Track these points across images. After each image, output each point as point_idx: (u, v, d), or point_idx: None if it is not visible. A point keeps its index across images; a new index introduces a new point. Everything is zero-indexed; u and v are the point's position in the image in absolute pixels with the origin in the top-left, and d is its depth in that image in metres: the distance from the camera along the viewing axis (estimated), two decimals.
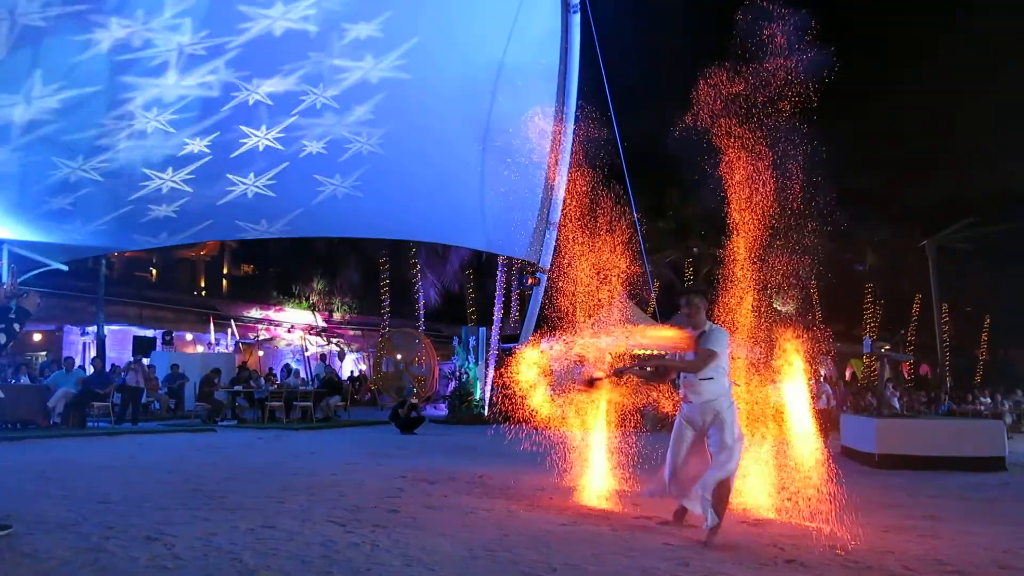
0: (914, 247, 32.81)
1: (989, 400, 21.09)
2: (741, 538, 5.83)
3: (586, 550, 5.38)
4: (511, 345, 20.91)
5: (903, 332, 33.80)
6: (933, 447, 10.53)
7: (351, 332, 32.11)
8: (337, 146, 16.83)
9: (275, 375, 21.29)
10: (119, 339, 23.35)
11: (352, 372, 29.60)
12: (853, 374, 35.21)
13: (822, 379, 20.56)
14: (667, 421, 15.06)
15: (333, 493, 7.72)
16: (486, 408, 19.55)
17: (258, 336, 28.63)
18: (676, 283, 31.70)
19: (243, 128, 15.62)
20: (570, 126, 19.05)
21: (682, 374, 6.05)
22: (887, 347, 32.06)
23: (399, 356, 24.17)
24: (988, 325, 33.04)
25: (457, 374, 20.39)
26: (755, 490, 6.82)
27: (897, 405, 19.12)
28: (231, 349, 25.63)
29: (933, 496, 7.47)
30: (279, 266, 34.24)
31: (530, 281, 20.35)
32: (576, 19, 18.62)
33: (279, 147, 16.18)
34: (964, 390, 24.94)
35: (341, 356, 29.89)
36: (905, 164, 31.13)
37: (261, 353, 28.47)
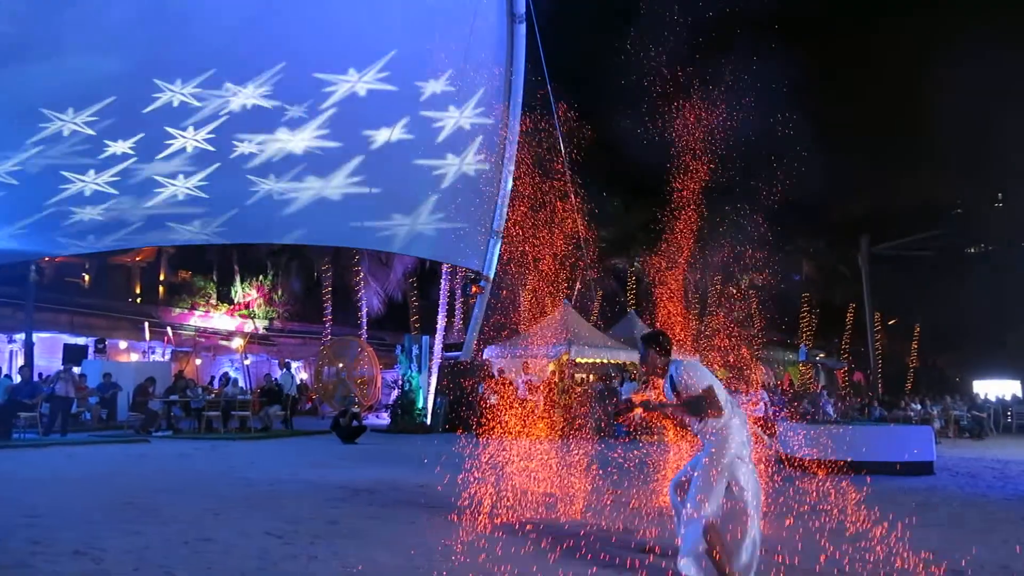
0: (848, 258, 33.69)
1: (919, 406, 21.72)
2: (675, 540, 5.88)
3: (528, 559, 5.38)
4: (455, 354, 20.87)
5: (837, 341, 34.68)
6: (866, 452, 10.80)
7: (293, 340, 31.63)
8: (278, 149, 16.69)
9: (215, 384, 20.82)
10: (48, 347, 22.58)
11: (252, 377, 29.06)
12: (790, 381, 36.01)
13: (760, 387, 20.94)
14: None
15: (271, 504, 7.59)
16: (428, 417, 19.44)
17: (195, 344, 27.99)
18: (619, 292, 32.02)
19: (169, 129, 15.39)
20: (515, 134, 19.15)
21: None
22: (822, 355, 32.91)
23: (341, 365, 23.86)
24: (918, 334, 34.14)
25: (400, 383, 20.25)
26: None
27: (831, 411, 19.56)
28: (167, 357, 25.00)
29: (866, 500, 7.66)
30: (218, 273, 33.58)
31: (474, 290, 20.33)
32: (521, 29, 18.76)
33: (209, 148, 15.93)
34: (896, 396, 25.68)
35: (282, 365, 29.43)
36: (842, 175, 31.99)
37: (199, 361, 27.84)
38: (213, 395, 18.45)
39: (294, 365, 29.37)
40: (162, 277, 34.81)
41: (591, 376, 21.95)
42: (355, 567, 5.08)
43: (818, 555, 5.58)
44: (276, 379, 20.53)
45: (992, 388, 27.82)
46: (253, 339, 29.53)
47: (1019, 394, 27.16)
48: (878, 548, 5.71)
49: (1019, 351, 27.98)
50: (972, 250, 36.72)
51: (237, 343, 28.74)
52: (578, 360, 19.68)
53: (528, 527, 6.46)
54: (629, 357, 20.80)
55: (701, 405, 4.84)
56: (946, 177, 31.26)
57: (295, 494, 8.35)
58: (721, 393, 4.90)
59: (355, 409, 16.38)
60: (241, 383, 20.23)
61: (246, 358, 27.67)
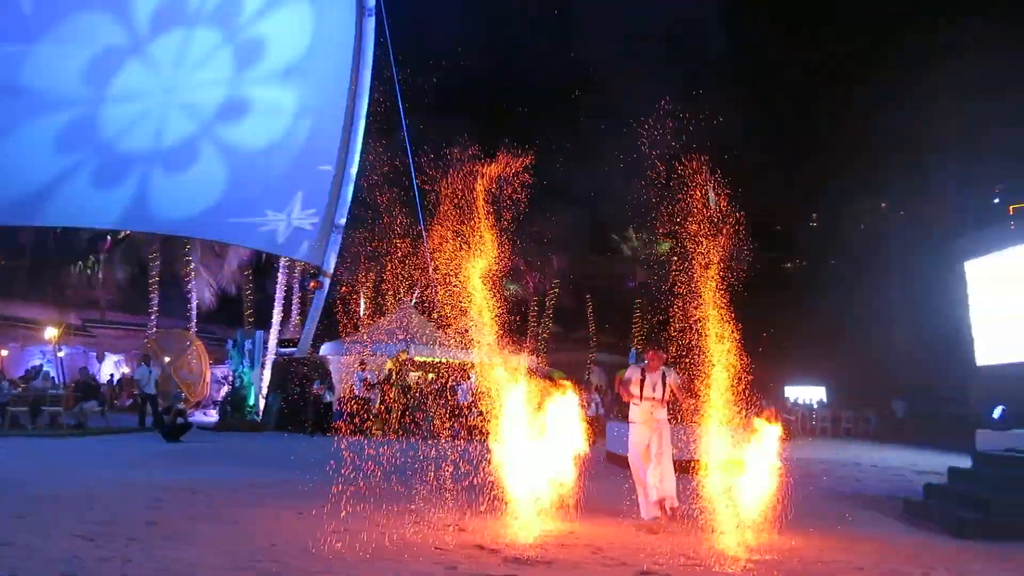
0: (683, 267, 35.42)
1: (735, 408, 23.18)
2: (506, 539, 6.04)
3: (354, 557, 5.35)
4: (290, 350, 20.32)
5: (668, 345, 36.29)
6: (683, 451, 11.42)
7: (114, 332, 29.68)
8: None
9: (32, 376, 19.18)
10: None
11: (112, 375, 27.33)
12: (619, 383, 37.39)
13: (592, 388, 21.69)
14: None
15: (83, 506, 7.11)
16: (260, 414, 18.83)
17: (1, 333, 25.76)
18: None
19: None
20: (360, 129, 18.89)
21: (649, 396, 8.03)
22: None
23: (167, 359, 22.68)
24: (739, 341, 36.35)
25: (230, 379, 19.49)
26: (522, 494, 7.07)
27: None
28: None
29: (684, 496, 8.11)
30: (31, 257, 30.99)
31: (312, 284, 19.88)
32: (371, 23, 18.52)
33: None
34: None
35: (100, 357, 27.56)
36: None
37: (5, 352, 25.64)
38: (20, 389, 17.03)
39: (112, 359, 27.67)
40: None
41: (428, 375, 21.98)
42: (175, 569, 4.87)
43: (636, 548, 5.87)
44: (93, 375, 19.21)
45: (801, 393, 30.14)
46: (69, 329, 27.47)
47: (824, 399, 29.61)
48: (693, 541, 6.07)
49: (825, 359, 30.30)
50: (788, 265, 39.49)
51: (50, 333, 26.68)
52: (416, 359, 19.66)
53: (357, 525, 6.42)
54: (468, 357, 20.98)
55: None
56: (768, 194, 33.46)
57: (110, 494, 7.86)
58: None
59: (180, 406, 15.62)
60: (52, 376, 18.75)
61: (60, 350, 25.72)
